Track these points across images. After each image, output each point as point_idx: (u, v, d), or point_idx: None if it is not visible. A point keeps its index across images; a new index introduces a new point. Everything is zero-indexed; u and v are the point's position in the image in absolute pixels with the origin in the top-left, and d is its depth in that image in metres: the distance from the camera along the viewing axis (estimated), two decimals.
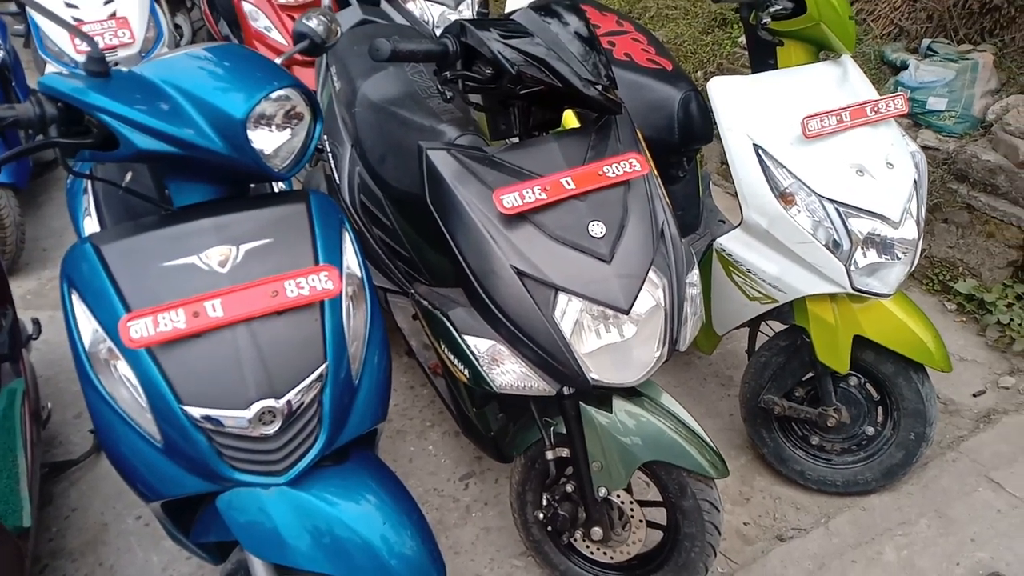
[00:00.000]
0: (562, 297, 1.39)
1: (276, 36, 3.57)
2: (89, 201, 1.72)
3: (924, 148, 2.88)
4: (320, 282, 1.21)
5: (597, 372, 1.43)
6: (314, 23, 1.53)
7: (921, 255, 2.96)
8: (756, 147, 1.77)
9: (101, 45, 3.12)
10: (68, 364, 1.21)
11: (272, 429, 1.18)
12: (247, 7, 3.58)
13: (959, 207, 2.83)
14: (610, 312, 1.40)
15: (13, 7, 3.61)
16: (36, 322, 2.22)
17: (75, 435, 2.34)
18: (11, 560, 1.49)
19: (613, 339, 1.42)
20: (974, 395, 2.48)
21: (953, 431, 2.34)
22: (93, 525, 2.07)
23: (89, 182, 1.74)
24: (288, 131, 1.27)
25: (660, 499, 1.66)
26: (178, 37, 4.47)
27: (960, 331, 2.77)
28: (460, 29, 1.39)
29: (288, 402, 1.18)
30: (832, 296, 1.87)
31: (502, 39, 1.36)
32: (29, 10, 3.34)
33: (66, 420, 2.39)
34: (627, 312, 1.39)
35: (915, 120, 2.97)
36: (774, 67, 1.93)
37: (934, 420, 1.96)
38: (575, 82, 1.39)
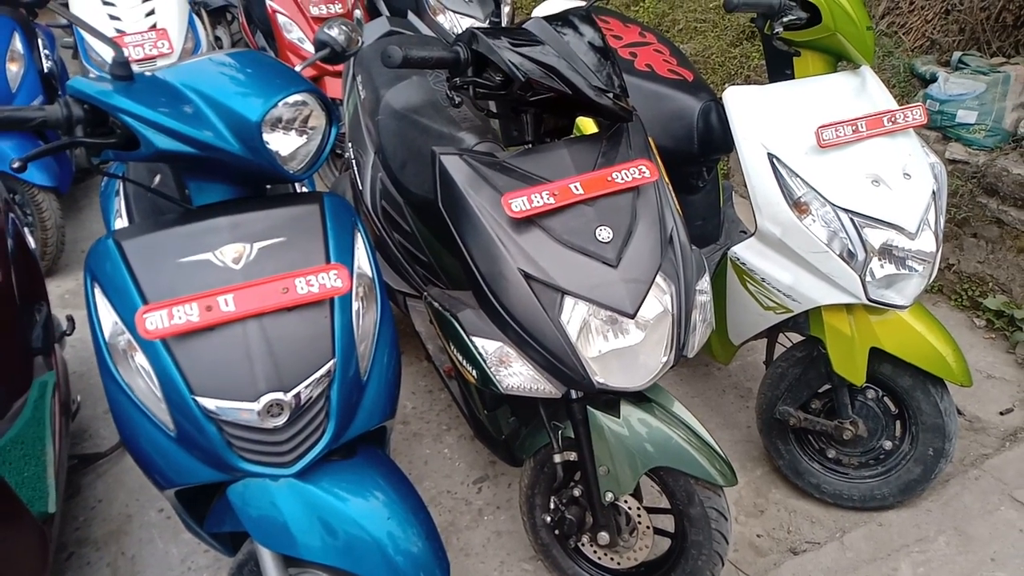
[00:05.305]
0: (568, 300, 1.41)
1: (308, 47, 3.66)
2: (120, 203, 1.80)
3: (953, 162, 2.85)
4: (330, 280, 1.25)
5: (603, 376, 1.44)
6: (335, 32, 1.58)
7: (949, 270, 2.94)
8: (770, 156, 1.77)
9: (141, 55, 3.28)
10: None
11: (280, 421, 1.21)
12: (281, 19, 3.68)
13: (988, 221, 2.78)
14: (617, 316, 1.41)
15: (63, 21, 3.78)
16: (71, 319, 2.30)
17: (104, 429, 2.42)
18: (35, 543, 1.55)
19: (620, 343, 1.43)
20: (1001, 413, 2.42)
21: (978, 448, 2.29)
22: (117, 516, 2.13)
23: (121, 185, 1.83)
24: (305, 136, 1.32)
25: (668, 506, 1.66)
26: (217, 49, 4.61)
27: (989, 348, 2.72)
28: (471, 37, 1.42)
29: (296, 395, 1.22)
30: (848, 307, 1.86)
31: (512, 47, 1.39)
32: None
33: (96, 415, 2.48)
34: (633, 316, 1.40)
35: (944, 133, 2.93)
36: (791, 77, 1.93)
37: (953, 435, 1.93)
38: (585, 89, 1.41)
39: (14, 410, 1.74)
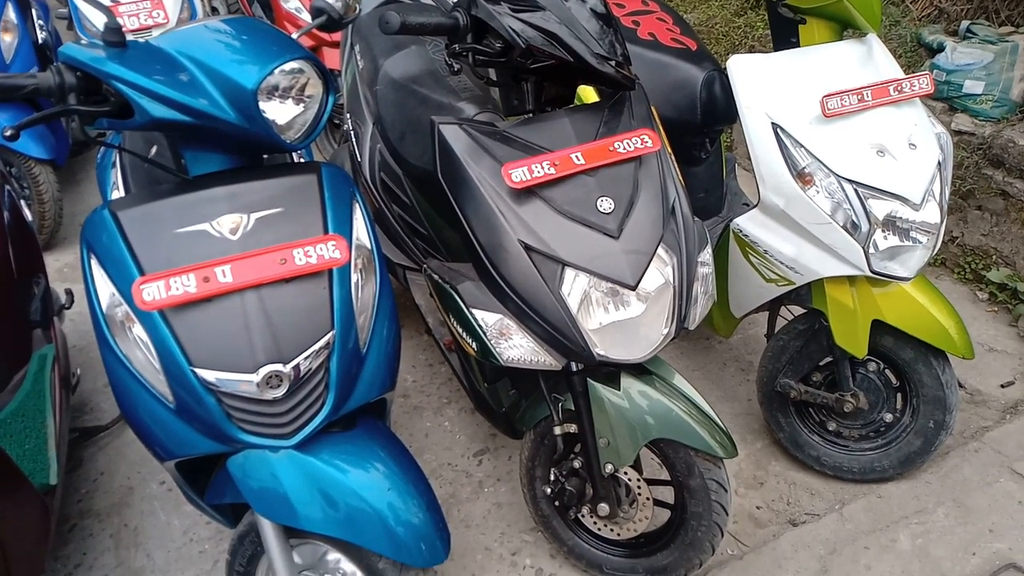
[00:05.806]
0: (569, 272, 1.39)
1: (306, 17, 3.60)
2: (117, 174, 1.78)
3: (959, 133, 2.82)
4: (328, 251, 1.24)
5: (603, 348, 1.43)
6: None
7: (953, 243, 2.92)
8: (774, 126, 1.74)
9: (136, 25, 3.23)
10: None
11: (279, 393, 1.21)
12: None
13: (994, 193, 2.75)
14: (618, 288, 1.40)
15: None
16: (69, 292, 2.29)
17: (104, 402, 2.42)
18: (37, 515, 1.55)
19: (620, 315, 1.42)
20: (1002, 386, 2.42)
21: (978, 421, 2.30)
22: (119, 488, 2.14)
23: (118, 157, 1.81)
24: (301, 104, 1.29)
25: (668, 478, 1.67)
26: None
27: (991, 321, 2.71)
28: (470, 2, 1.39)
29: (295, 367, 1.21)
30: (851, 279, 1.85)
31: (513, 13, 1.36)
32: None
33: (97, 388, 2.48)
34: (634, 288, 1.39)
35: (951, 104, 2.89)
36: (796, 46, 1.89)
37: (954, 408, 1.93)
38: (587, 57, 1.39)
39: (14, 383, 1.74)
